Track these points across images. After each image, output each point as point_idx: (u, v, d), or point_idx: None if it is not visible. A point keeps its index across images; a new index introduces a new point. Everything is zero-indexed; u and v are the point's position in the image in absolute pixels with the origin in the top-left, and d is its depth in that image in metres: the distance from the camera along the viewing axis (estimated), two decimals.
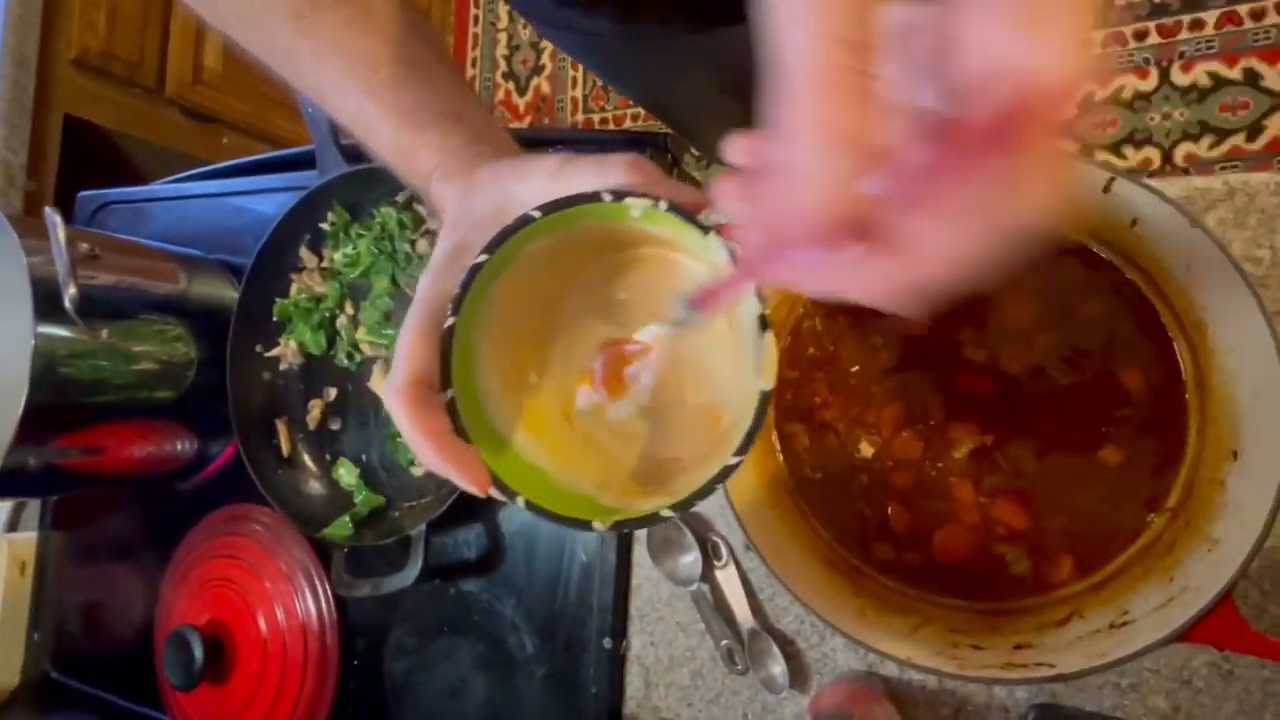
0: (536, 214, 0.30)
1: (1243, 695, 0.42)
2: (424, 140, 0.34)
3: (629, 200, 0.29)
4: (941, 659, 0.37)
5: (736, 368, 0.32)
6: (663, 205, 0.29)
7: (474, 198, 0.33)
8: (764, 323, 0.29)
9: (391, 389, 0.30)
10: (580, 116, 1.77)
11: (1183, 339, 0.40)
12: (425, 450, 0.29)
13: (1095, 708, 0.45)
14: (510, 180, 0.32)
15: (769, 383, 0.29)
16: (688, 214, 0.29)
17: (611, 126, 1.74)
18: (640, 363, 0.34)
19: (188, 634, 0.67)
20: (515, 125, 1.85)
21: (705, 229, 0.29)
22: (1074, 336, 0.43)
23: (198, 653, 0.66)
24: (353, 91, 0.35)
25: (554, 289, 0.36)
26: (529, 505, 0.30)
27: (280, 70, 0.36)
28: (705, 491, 0.29)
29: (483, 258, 0.30)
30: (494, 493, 0.30)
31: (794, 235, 0.17)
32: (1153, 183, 0.44)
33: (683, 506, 0.29)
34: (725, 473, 0.29)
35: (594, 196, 0.29)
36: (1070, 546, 0.43)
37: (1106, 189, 0.36)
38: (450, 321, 0.31)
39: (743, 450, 0.29)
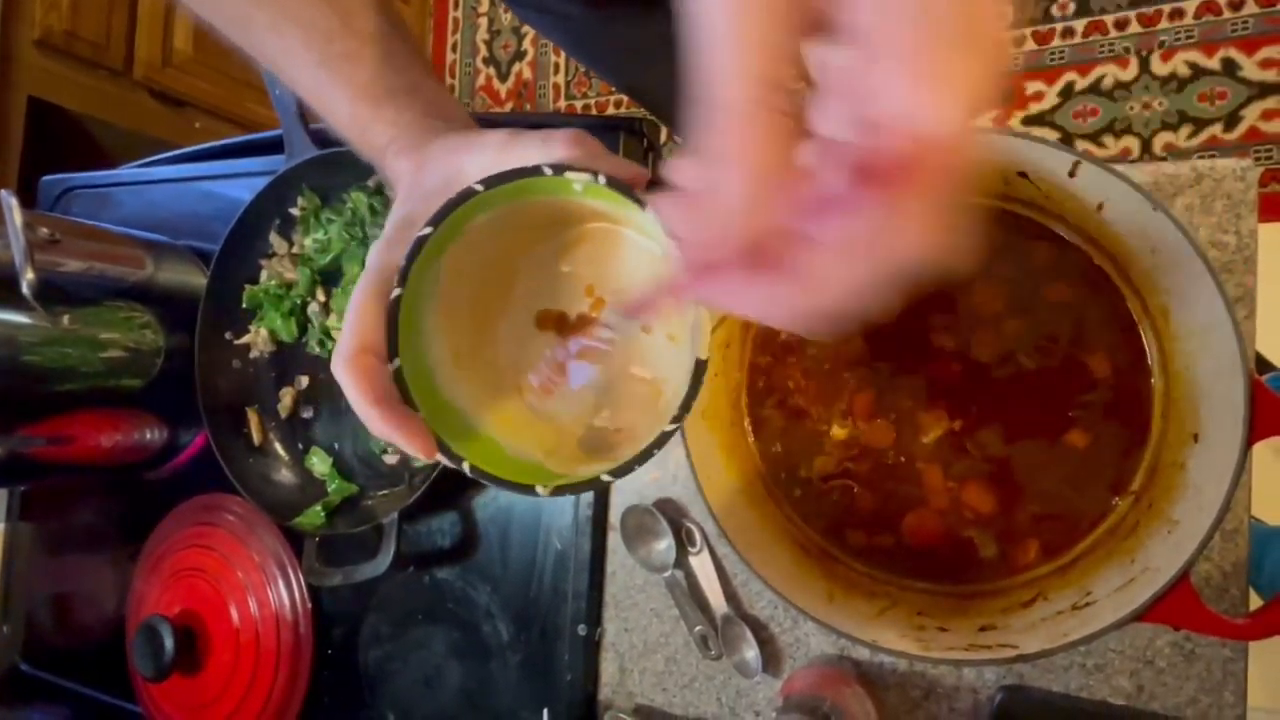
0: (479, 187, 0.30)
1: (1204, 674, 0.43)
2: (379, 115, 0.34)
3: (569, 174, 0.30)
4: (907, 641, 0.38)
5: (677, 342, 0.34)
6: (601, 179, 0.29)
7: (425, 171, 0.33)
8: None
9: (339, 359, 0.31)
10: (562, 103, 1.76)
11: (1148, 323, 0.40)
12: (372, 418, 0.30)
13: (1061, 688, 0.45)
14: (460, 154, 0.32)
15: (702, 353, 0.30)
16: (626, 188, 0.30)
17: (594, 113, 1.72)
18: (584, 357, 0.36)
19: (158, 624, 0.66)
20: (496, 111, 1.83)
21: (643, 203, 0.30)
22: (1042, 322, 0.43)
23: (168, 643, 0.65)
24: (308, 64, 0.35)
25: (507, 263, 0.36)
26: (473, 470, 0.31)
27: (237, 40, 0.36)
28: (644, 457, 0.31)
29: (427, 230, 0.31)
30: (440, 458, 0.31)
31: (714, 257, 0.19)
32: (1119, 168, 0.44)
33: (622, 471, 0.31)
34: (662, 439, 0.31)
35: (535, 170, 0.30)
36: (1037, 530, 0.43)
37: (1072, 173, 0.36)
38: (396, 293, 0.31)
39: (679, 418, 0.30)
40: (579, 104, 1.75)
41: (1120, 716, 0.43)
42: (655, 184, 0.70)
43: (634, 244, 0.35)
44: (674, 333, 0.35)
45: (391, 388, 0.31)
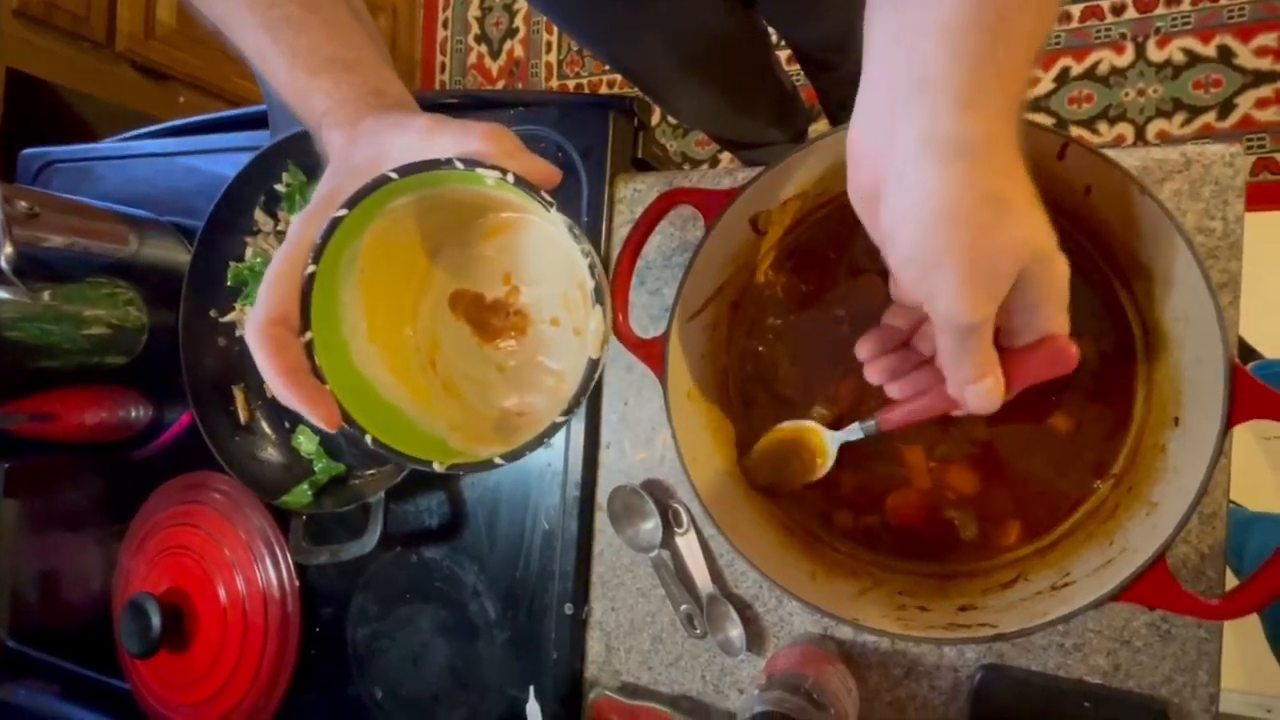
0: (394, 175, 0.31)
1: (1179, 654, 0.43)
2: (315, 84, 0.35)
3: (480, 170, 0.31)
4: (888, 620, 0.38)
5: (581, 337, 0.35)
6: (510, 178, 0.31)
7: (355, 147, 0.34)
8: (597, 296, 0.32)
9: (252, 327, 0.32)
10: (555, 82, 1.74)
11: (1133, 307, 0.40)
12: (279, 387, 0.31)
13: (1040, 667, 0.46)
14: (389, 134, 0.33)
15: (594, 352, 0.32)
16: (533, 189, 0.31)
17: (586, 92, 1.70)
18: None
19: (145, 602, 0.66)
20: (487, 89, 1.81)
21: (548, 204, 0.31)
22: None
23: (155, 621, 0.65)
24: (250, 26, 0.35)
25: (426, 244, 0.38)
26: (375, 442, 0.33)
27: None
28: (535, 444, 0.33)
29: (342, 212, 0.32)
30: (346, 428, 0.33)
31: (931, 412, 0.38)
32: (1108, 151, 0.44)
33: (513, 456, 0.33)
34: (551, 429, 0.32)
35: (448, 163, 0.31)
36: (1018, 512, 0.43)
37: (1061, 155, 0.36)
38: (310, 269, 0.32)
39: (568, 411, 0.32)
40: (571, 83, 1.73)
41: (1096, 695, 0.44)
42: (639, 162, 0.69)
43: (547, 235, 0.36)
44: (580, 327, 0.36)
45: (302, 359, 0.32)
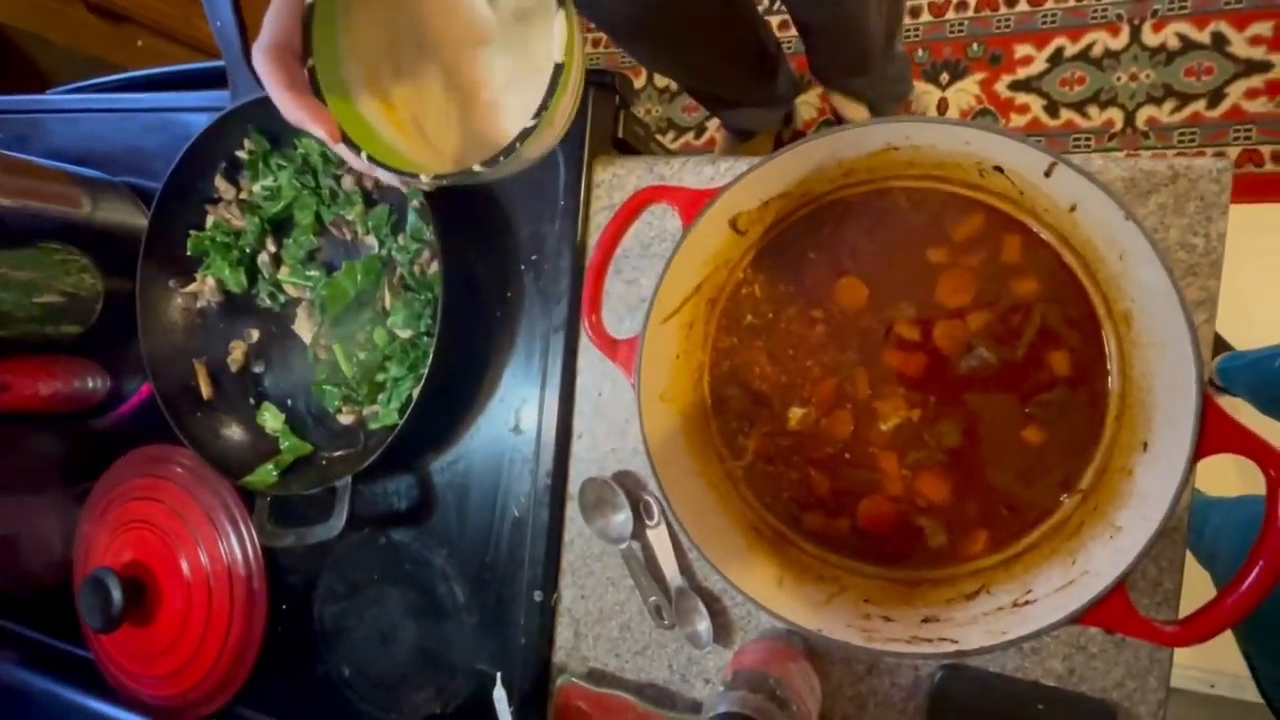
0: None
1: (1131, 660, 0.44)
2: None
3: None
4: (852, 631, 0.38)
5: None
6: None
7: None
8: (560, 1, 0.35)
9: (259, 50, 0.35)
10: None
11: (1110, 326, 0.40)
12: (285, 102, 0.35)
13: (998, 668, 0.47)
14: None
15: (558, 56, 0.35)
16: None
17: None
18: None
19: (105, 577, 0.65)
20: None
21: None
22: (1007, 316, 0.43)
23: (116, 596, 0.64)
24: None
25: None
26: (369, 159, 0.38)
27: None
28: (507, 150, 0.36)
29: None
30: (341, 148, 0.37)
31: None
32: (1097, 161, 0.43)
33: (490, 164, 0.37)
34: (522, 135, 0.36)
35: None
36: (986, 521, 0.44)
37: (1048, 173, 0.35)
38: (309, 1, 0.36)
39: (536, 114, 0.35)
40: None
41: (1050, 697, 0.45)
42: (619, 143, 0.66)
43: None
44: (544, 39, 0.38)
45: (305, 80, 0.36)
